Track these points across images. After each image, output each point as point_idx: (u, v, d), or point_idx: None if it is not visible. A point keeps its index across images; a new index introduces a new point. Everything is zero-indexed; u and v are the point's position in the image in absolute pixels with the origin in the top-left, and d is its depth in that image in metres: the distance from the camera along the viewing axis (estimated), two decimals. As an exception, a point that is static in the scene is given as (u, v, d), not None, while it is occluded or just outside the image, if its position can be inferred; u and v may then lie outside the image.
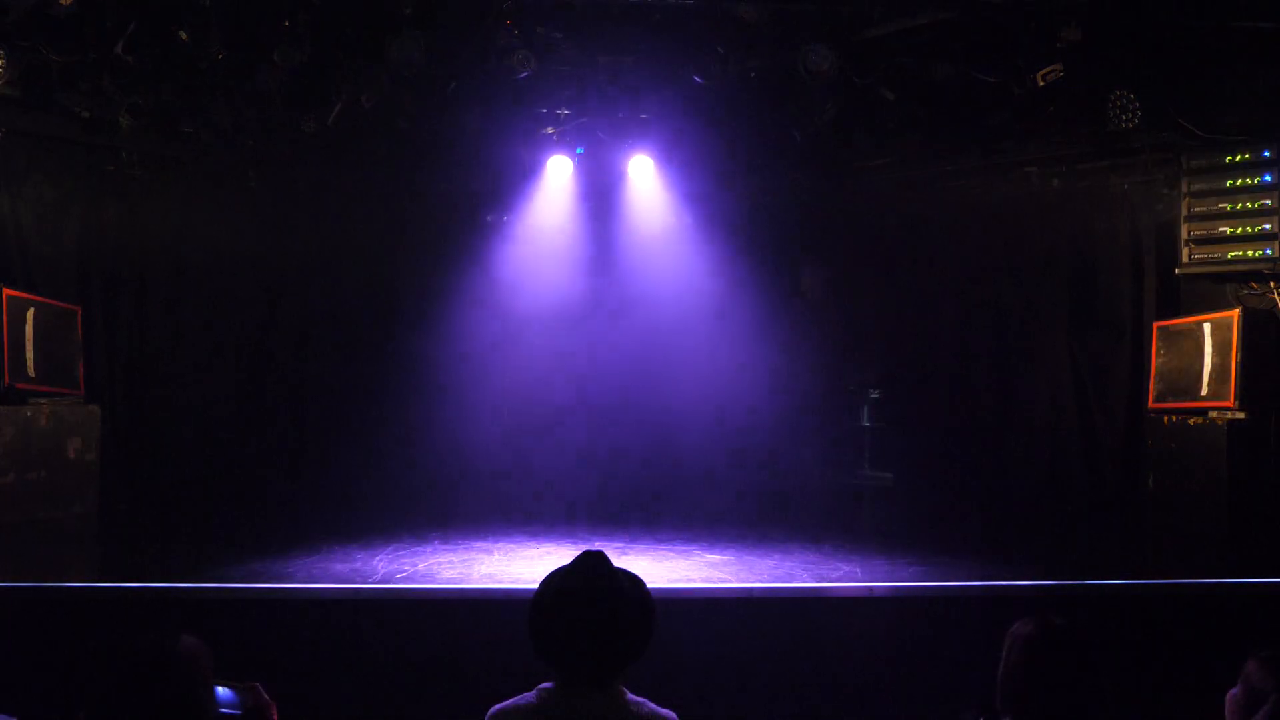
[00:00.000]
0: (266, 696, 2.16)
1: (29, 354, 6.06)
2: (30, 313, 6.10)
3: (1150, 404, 6.43)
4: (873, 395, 8.16)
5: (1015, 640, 2.19)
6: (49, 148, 6.65)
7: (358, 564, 4.82)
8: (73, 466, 6.19)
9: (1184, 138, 6.34)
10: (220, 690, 2.05)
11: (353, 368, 8.11)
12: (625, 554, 5.13)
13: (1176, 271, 6.46)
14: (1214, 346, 6.05)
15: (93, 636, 3.80)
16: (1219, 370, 5.98)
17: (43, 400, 6.11)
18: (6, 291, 5.99)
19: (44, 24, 5.70)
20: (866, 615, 4.21)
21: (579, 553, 2.08)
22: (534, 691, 2.00)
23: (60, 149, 6.69)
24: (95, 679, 1.93)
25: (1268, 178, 6.06)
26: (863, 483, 8.23)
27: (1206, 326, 6.12)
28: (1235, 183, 6.21)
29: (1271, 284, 6.15)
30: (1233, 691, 2.29)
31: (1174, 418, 6.16)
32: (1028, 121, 6.59)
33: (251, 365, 7.70)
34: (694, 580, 4.54)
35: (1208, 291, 6.49)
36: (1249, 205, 6.17)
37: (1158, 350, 6.42)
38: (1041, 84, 6.00)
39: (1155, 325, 6.52)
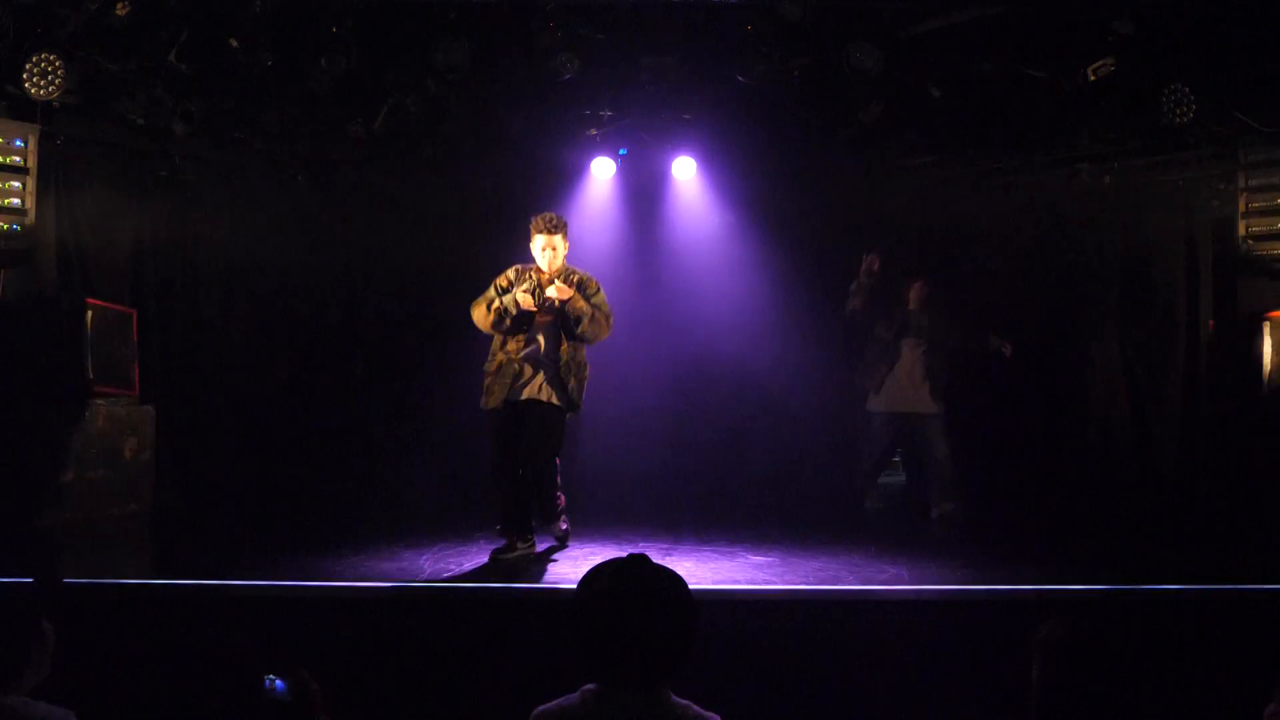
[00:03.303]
0: (314, 683, 2.19)
1: (87, 356, 6.21)
2: (88, 315, 6.25)
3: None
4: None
5: (1040, 647, 2.13)
6: (105, 154, 6.80)
7: (404, 562, 4.87)
8: (129, 466, 6.33)
9: (1241, 131, 6.19)
10: (269, 678, 2.08)
11: (400, 368, 8.19)
12: (670, 555, 5.13)
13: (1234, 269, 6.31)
14: (1273, 345, 5.89)
15: (148, 632, 3.89)
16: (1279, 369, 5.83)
17: (100, 401, 6.26)
18: (66, 295, 6.14)
19: (100, 34, 5.85)
20: (914, 619, 4.17)
21: (622, 553, 2.09)
22: (578, 693, 2.00)
23: (116, 155, 6.84)
24: (149, 674, 1.96)
25: (1330, 172, 5.91)
26: (900, 482, 8.15)
27: (1265, 325, 5.96)
28: (1296, 177, 6.06)
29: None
30: (1271, 707, 2.23)
31: (1231, 418, 6.01)
32: (1078, 117, 6.49)
33: (301, 365, 7.81)
34: (738, 582, 4.53)
35: (1266, 289, 6.33)
36: (1310, 200, 6.00)
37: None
38: (1092, 78, 5.90)
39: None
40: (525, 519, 5.05)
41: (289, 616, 4.06)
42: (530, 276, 5.20)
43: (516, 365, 5.07)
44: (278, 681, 2.06)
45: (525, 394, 5.05)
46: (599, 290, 5.22)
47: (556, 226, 5.17)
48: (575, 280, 5.18)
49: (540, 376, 5.08)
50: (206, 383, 7.28)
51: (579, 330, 5.09)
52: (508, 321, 5.07)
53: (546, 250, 5.17)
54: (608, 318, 5.18)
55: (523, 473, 5.00)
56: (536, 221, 5.20)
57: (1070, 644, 2.12)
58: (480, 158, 7.61)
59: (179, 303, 7.17)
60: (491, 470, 5.12)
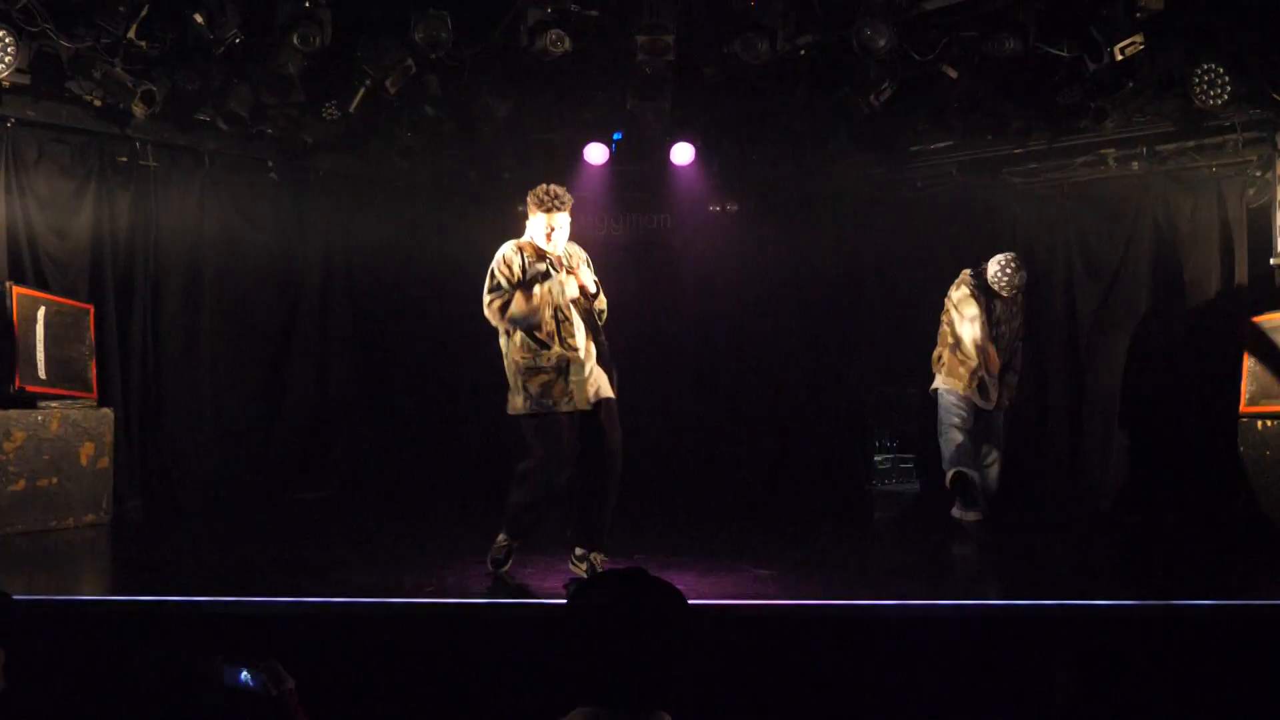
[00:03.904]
0: (290, 680, 2.19)
1: (40, 355, 6.18)
2: (41, 312, 6.22)
3: (1242, 407, 6.29)
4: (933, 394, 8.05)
5: (1065, 666, 2.14)
6: (60, 138, 6.77)
7: (385, 576, 4.85)
8: (85, 473, 6.30)
9: (1279, 115, 6.20)
10: (241, 673, 2.08)
11: (380, 368, 8.18)
12: (668, 568, 5.12)
13: (1272, 262, 6.32)
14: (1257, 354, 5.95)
15: (107, 652, 3.87)
16: (1320, 371, 5.85)
17: (54, 404, 6.23)
18: (16, 290, 6.10)
19: (54, 9, 5.83)
20: (926, 634, 4.16)
21: (617, 565, 2.08)
22: (569, 716, 1.99)
23: (71, 139, 6.81)
24: (108, 699, 1.96)
25: (1373, 158, 5.93)
26: (919, 488, 8.15)
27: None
28: (1337, 164, 6.08)
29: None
30: None
31: (1269, 422, 6.02)
32: (1104, 99, 6.49)
33: (272, 365, 7.80)
34: (741, 597, 4.52)
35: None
36: (1352, 188, 6.02)
37: (1250, 349, 6.28)
38: (1119, 58, 5.91)
39: (1247, 321, 6.39)
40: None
41: (259, 635, 4.05)
42: (544, 258, 4.76)
43: (586, 363, 4.71)
44: (245, 673, 2.04)
45: (603, 393, 4.76)
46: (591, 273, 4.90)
47: (563, 202, 4.72)
48: (588, 264, 4.85)
49: (600, 371, 4.79)
50: (169, 384, 7.25)
51: (602, 321, 4.91)
52: (546, 311, 4.65)
53: (555, 232, 4.71)
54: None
55: (603, 480, 4.71)
56: (539, 197, 4.73)
57: (1098, 663, 2.12)
58: (464, 143, 7.60)
59: (140, 298, 7.14)
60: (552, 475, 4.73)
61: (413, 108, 7.01)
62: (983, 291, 6.44)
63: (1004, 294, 6.41)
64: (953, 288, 6.56)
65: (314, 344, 7.99)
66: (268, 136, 7.32)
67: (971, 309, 6.40)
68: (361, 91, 6.43)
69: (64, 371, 6.37)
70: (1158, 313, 7.01)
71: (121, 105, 6.38)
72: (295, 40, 5.92)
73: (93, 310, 6.74)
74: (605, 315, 4.94)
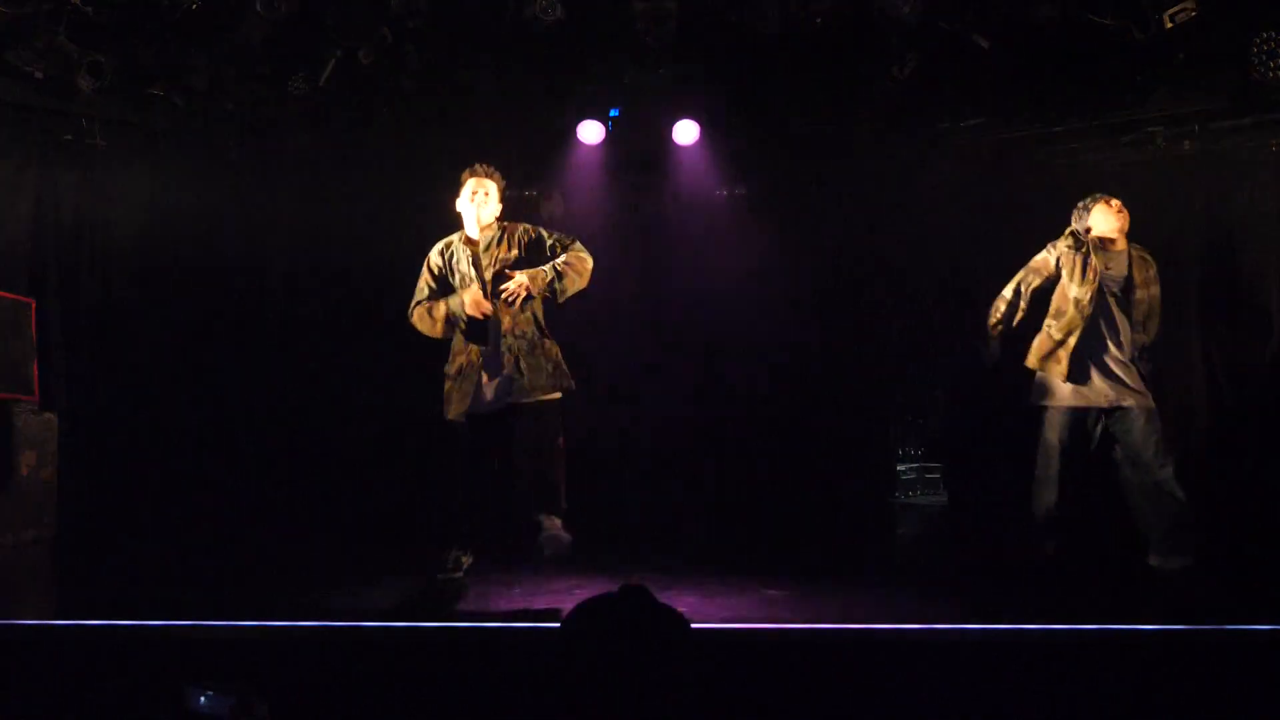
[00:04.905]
0: (261, 705, 2.21)
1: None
2: (-23, 306, 6.24)
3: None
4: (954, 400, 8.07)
5: (1108, 695, 2.16)
6: (-3, 114, 6.80)
7: (355, 598, 4.87)
8: (26, 485, 6.32)
9: (1346, 89, 6.23)
10: (204, 697, 2.10)
11: (352, 367, 8.17)
12: (670, 589, 5.14)
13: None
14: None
15: (52, 684, 3.88)
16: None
17: (-8, 408, 6.25)
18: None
19: (-9, -29, 5.85)
20: (954, 663, 4.18)
21: (615, 587, 2.10)
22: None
23: (10, 116, 6.82)
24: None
25: None
26: (946, 501, 8.16)
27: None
28: None
29: None
30: None
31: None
32: (1152, 72, 6.51)
33: (235, 365, 7.80)
34: (747, 620, 4.54)
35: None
36: None
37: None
38: (1169, 26, 5.92)
39: None
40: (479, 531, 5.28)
41: (216, 662, 4.06)
42: (463, 250, 5.26)
43: (480, 370, 5.14)
44: (206, 695, 2.06)
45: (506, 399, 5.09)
46: (551, 237, 5.27)
47: (491, 170, 5.28)
48: (525, 241, 5.23)
49: (517, 374, 5.09)
50: (119, 386, 7.26)
51: (562, 300, 5.17)
52: (463, 326, 5.16)
53: (477, 195, 5.21)
54: (581, 263, 5.16)
55: (520, 483, 5.14)
56: (472, 167, 5.29)
57: (1146, 695, 2.15)
58: (445, 120, 7.60)
59: (86, 292, 7.15)
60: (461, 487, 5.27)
61: (389, 81, 7.02)
62: (1075, 248, 5.71)
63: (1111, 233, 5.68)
64: None
65: (280, 342, 7.99)
66: (228, 113, 7.32)
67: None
68: (332, 63, 6.45)
69: (2, 372, 6.37)
70: (1210, 309, 7.01)
71: (66, 78, 6.38)
72: (259, 7, 5.93)
73: (34, 305, 6.75)
74: (567, 290, 5.14)
